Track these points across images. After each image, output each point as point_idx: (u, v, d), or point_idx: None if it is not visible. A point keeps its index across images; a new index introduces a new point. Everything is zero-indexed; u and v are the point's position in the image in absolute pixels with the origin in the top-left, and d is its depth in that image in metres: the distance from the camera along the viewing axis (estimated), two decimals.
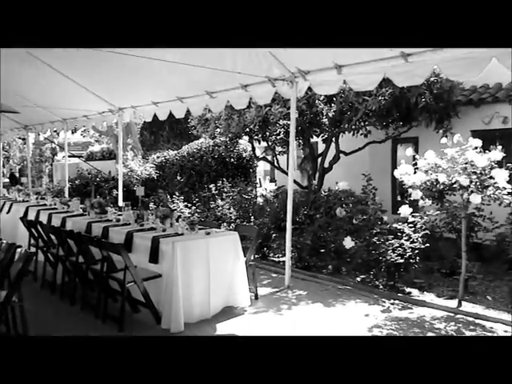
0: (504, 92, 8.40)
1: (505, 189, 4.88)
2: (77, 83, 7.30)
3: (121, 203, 8.71)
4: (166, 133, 18.42)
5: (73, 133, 20.83)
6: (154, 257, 4.69)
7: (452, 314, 4.96)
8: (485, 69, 4.29)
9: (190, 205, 9.97)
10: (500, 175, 4.86)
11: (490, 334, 4.35)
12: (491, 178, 4.92)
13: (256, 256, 7.47)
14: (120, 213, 6.36)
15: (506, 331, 4.42)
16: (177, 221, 5.46)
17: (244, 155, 12.75)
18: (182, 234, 4.93)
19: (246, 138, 9.68)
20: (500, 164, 5.02)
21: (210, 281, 4.78)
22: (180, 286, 4.41)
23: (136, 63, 5.74)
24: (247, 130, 8.78)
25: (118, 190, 9.91)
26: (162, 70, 6.13)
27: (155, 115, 8.22)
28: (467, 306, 5.10)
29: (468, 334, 4.39)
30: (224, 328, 4.60)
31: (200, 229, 5.17)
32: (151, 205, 10.33)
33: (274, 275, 6.82)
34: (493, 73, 5.79)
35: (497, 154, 4.96)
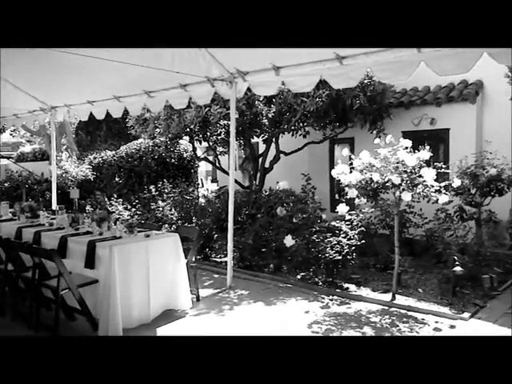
0: (431, 95, 8.91)
1: (432, 186, 5.15)
2: (5, 80, 6.87)
3: (54, 206, 8.32)
4: (104, 133, 17.81)
5: (1, 132, 19.61)
6: (90, 262, 4.52)
7: (387, 308, 5.18)
8: (414, 72, 4.52)
9: (129, 207, 9.70)
10: (428, 174, 5.13)
11: (421, 326, 4.58)
12: (420, 176, 5.18)
13: (198, 257, 7.40)
14: (53, 216, 6.08)
15: (436, 322, 4.68)
16: (115, 224, 5.29)
17: (185, 156, 12.60)
18: (120, 238, 4.78)
19: (187, 138, 9.58)
20: (428, 163, 5.30)
21: (150, 284, 4.68)
22: (118, 291, 4.28)
23: (69, 60, 5.49)
24: (187, 130, 8.69)
25: (51, 193, 9.46)
26: (97, 67, 5.91)
27: (91, 114, 7.92)
28: (400, 299, 5.34)
29: (401, 326, 4.61)
30: (164, 332, 4.52)
31: (139, 231, 5.04)
32: (88, 207, 9.94)
33: (216, 276, 6.80)
34: (421, 76, 6.14)
35: (425, 153, 5.23)
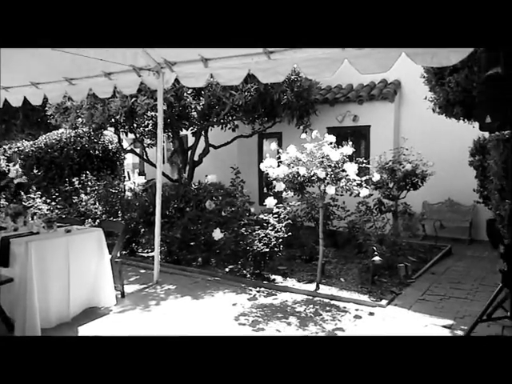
0: (354, 93, 9.30)
1: (355, 180, 5.39)
2: None
3: None
4: (20, 121, 16.63)
5: None
6: (4, 259, 4.22)
7: (311, 297, 5.36)
8: (338, 70, 4.67)
9: (49, 200, 9.17)
10: (351, 168, 5.35)
11: (343, 314, 4.80)
12: (343, 170, 5.40)
13: (124, 252, 7.19)
14: None
15: (357, 309, 4.92)
16: (32, 218, 4.99)
17: (110, 147, 12.11)
18: (37, 233, 4.51)
19: (112, 129, 9.22)
20: (351, 158, 5.54)
21: (70, 282, 4.47)
22: (35, 289, 4.04)
23: None
24: (113, 120, 8.37)
25: None
26: (12, 51, 5.49)
27: (6, 101, 7.36)
28: (324, 289, 5.55)
29: (324, 314, 4.79)
30: (87, 330, 4.35)
31: (59, 226, 4.79)
32: (2, 202, 9.27)
33: (142, 271, 6.64)
34: (345, 74, 6.38)
35: (348, 149, 5.45)
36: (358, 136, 9.25)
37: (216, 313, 4.87)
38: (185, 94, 7.90)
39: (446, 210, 8.82)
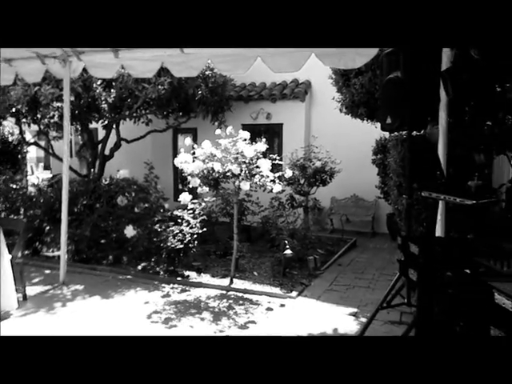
0: (267, 91, 9.51)
1: (268, 177, 5.53)
2: None
3: None
4: None
5: None
6: None
7: (225, 292, 5.42)
8: (251, 67, 4.75)
9: None
10: (264, 165, 5.48)
11: (255, 307, 4.91)
12: (258, 167, 5.51)
13: (26, 252, 6.71)
14: None
15: (269, 302, 5.06)
16: None
17: (10, 139, 11.22)
18: None
19: (12, 119, 8.54)
20: (264, 155, 5.66)
21: None
22: None
23: None
24: (13, 110, 7.76)
25: None
26: None
27: None
28: (238, 283, 5.64)
29: (238, 308, 4.87)
30: None
31: None
32: None
33: (47, 272, 6.26)
34: (258, 72, 6.50)
35: (262, 145, 5.57)
36: (271, 133, 9.48)
37: (127, 312, 4.74)
38: (94, 85, 7.54)
39: (352, 205, 9.36)
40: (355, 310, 4.77)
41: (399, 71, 3.89)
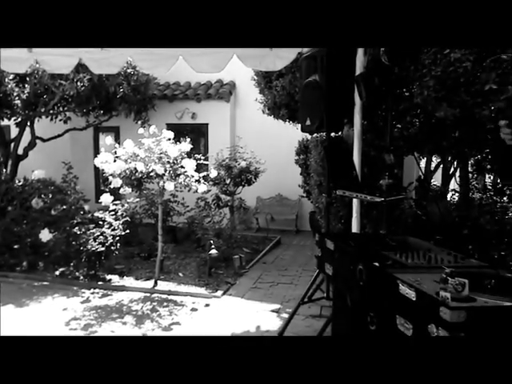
0: (192, 91, 9.45)
1: (193, 177, 5.50)
2: None
3: None
4: None
5: None
6: None
7: (149, 294, 5.31)
8: (173, 66, 4.70)
9: None
10: (189, 165, 5.45)
11: (179, 308, 4.87)
12: (182, 167, 5.47)
13: None
14: None
15: (193, 302, 5.04)
16: None
17: None
18: None
19: None
20: (189, 155, 5.63)
21: None
22: None
23: None
24: None
25: None
26: None
27: None
28: (162, 285, 5.56)
29: (162, 310, 4.80)
30: None
31: None
32: None
33: None
34: (183, 71, 6.44)
35: (186, 145, 5.54)
36: (197, 133, 9.43)
37: (44, 320, 4.48)
38: (6, 80, 7.05)
39: (277, 204, 9.57)
40: (278, 306, 4.89)
41: (317, 75, 4.06)
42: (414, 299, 1.66)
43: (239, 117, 9.69)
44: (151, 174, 5.36)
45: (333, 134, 4.71)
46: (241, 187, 7.79)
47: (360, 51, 3.92)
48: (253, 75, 5.81)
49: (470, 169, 5.56)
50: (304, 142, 8.35)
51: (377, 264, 2.10)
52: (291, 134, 7.87)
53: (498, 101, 3.28)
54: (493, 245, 4.11)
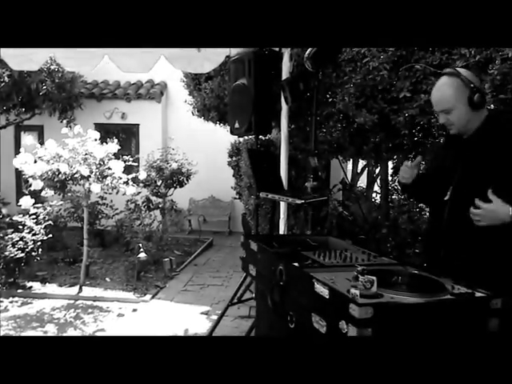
0: (122, 90, 9.20)
1: (121, 178, 5.36)
2: None
3: None
4: None
5: None
6: None
7: (73, 301, 5.09)
8: (99, 64, 4.55)
9: None
10: (117, 166, 5.31)
11: (105, 314, 4.72)
12: (109, 168, 5.31)
13: None
14: None
15: (120, 308, 4.90)
16: None
17: None
18: None
19: None
20: (117, 156, 5.48)
21: None
22: None
23: None
24: None
25: None
26: None
27: None
28: (88, 291, 5.35)
29: (86, 317, 4.62)
30: None
31: None
32: None
33: None
34: (112, 70, 6.25)
35: (113, 146, 5.39)
36: (127, 134, 9.20)
37: None
38: None
39: (210, 205, 9.56)
40: (208, 308, 4.89)
41: (245, 78, 4.12)
42: (327, 297, 1.73)
43: (171, 118, 9.56)
44: (76, 175, 5.16)
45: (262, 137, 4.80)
46: (172, 189, 7.69)
47: (286, 57, 4.03)
48: (182, 77, 5.76)
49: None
50: (236, 144, 8.41)
51: (296, 264, 2.17)
52: (224, 135, 7.90)
53: (411, 108, 3.52)
54: (408, 243, 4.39)
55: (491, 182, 1.91)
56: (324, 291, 1.76)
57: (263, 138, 5.25)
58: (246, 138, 6.27)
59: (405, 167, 2.24)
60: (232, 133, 4.52)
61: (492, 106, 3.26)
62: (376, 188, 8.11)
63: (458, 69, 2.07)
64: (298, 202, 2.41)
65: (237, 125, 4.32)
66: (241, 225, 9.17)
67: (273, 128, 4.88)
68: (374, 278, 1.69)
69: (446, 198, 2.12)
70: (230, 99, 4.40)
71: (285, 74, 4.01)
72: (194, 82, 5.24)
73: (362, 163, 8.74)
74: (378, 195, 6.53)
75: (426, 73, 3.43)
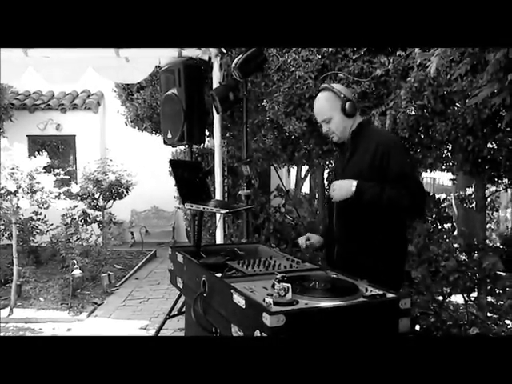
0: (56, 100, 8.87)
1: (51, 193, 5.14)
2: None
3: None
4: None
5: None
6: None
7: (3, 325, 4.81)
8: (23, 74, 4.37)
9: None
10: (47, 180, 5.09)
11: (39, 334, 4.49)
12: (38, 182, 5.08)
13: None
14: None
15: (54, 328, 4.68)
16: None
17: None
18: None
19: None
20: (49, 169, 5.26)
21: None
22: None
23: None
24: None
25: None
26: None
27: None
28: (19, 312, 5.06)
29: None
30: None
31: None
32: None
33: None
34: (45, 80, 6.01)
35: (43, 159, 5.16)
36: (63, 145, 8.87)
37: None
38: None
39: (153, 216, 9.39)
40: (147, 322, 4.77)
41: (175, 88, 4.09)
42: (243, 307, 1.73)
43: (109, 128, 9.29)
44: (2, 191, 4.90)
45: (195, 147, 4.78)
46: (112, 201, 7.48)
47: (216, 66, 4.03)
48: (113, 87, 5.64)
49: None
50: (178, 154, 8.32)
51: (218, 275, 2.16)
52: (163, 145, 7.78)
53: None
54: None
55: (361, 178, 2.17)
56: (241, 301, 1.76)
57: (200, 147, 5.24)
58: (186, 147, 6.20)
59: (309, 235, 2.50)
60: (165, 143, 4.47)
61: (413, 111, 3.44)
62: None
63: (330, 84, 2.37)
64: (223, 211, 2.41)
65: (169, 135, 4.28)
66: (185, 235, 9.09)
67: (207, 137, 4.88)
68: (289, 285, 1.71)
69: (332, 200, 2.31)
70: (162, 109, 4.35)
71: (215, 84, 4.01)
72: (126, 92, 5.15)
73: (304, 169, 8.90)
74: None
75: (349, 81, 3.56)
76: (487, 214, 5.36)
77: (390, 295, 1.79)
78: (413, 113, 3.38)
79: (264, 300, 1.71)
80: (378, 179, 2.13)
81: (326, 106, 2.28)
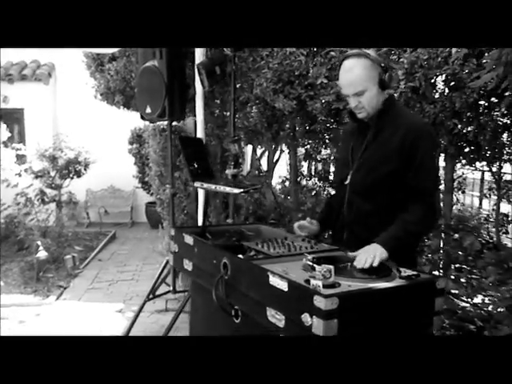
0: (3, 70, 8.15)
1: (11, 170, 4.78)
2: None
3: None
4: None
5: None
6: None
7: None
8: None
9: None
10: (7, 156, 4.72)
11: (3, 323, 4.19)
12: None
13: None
14: None
15: (20, 314, 4.39)
16: None
17: None
18: None
19: None
20: (6, 144, 4.87)
21: None
22: None
23: None
24: None
25: None
26: None
27: None
28: None
29: None
30: None
31: None
32: None
33: None
34: None
35: (3, 132, 4.77)
36: (11, 119, 8.20)
37: None
38: None
39: (109, 196, 9.00)
40: (121, 305, 4.59)
41: (156, 60, 3.85)
42: (285, 290, 1.67)
43: (63, 102, 8.70)
44: None
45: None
46: (69, 179, 7.08)
47: None
48: (82, 57, 5.25)
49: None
50: (137, 131, 7.99)
51: (241, 256, 2.08)
52: (123, 121, 7.43)
53: (328, 94, 3.58)
54: None
55: (385, 165, 1.99)
56: (281, 284, 1.69)
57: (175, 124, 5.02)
58: (147, 123, 5.92)
59: (304, 223, 2.28)
60: (143, 118, 4.24)
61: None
62: (281, 173, 8.30)
63: (364, 50, 1.97)
64: (236, 191, 2.31)
65: (148, 109, 4.05)
66: (144, 215, 8.81)
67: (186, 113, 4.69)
68: (331, 266, 1.67)
69: (346, 183, 2.15)
70: (139, 82, 4.09)
71: (197, 57, 3.82)
72: (96, 62, 4.81)
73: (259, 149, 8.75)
74: (288, 180, 6.66)
75: (340, 59, 3.52)
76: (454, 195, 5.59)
77: (423, 276, 1.81)
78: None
79: (309, 282, 1.66)
80: (402, 168, 1.97)
81: (362, 76, 1.93)
